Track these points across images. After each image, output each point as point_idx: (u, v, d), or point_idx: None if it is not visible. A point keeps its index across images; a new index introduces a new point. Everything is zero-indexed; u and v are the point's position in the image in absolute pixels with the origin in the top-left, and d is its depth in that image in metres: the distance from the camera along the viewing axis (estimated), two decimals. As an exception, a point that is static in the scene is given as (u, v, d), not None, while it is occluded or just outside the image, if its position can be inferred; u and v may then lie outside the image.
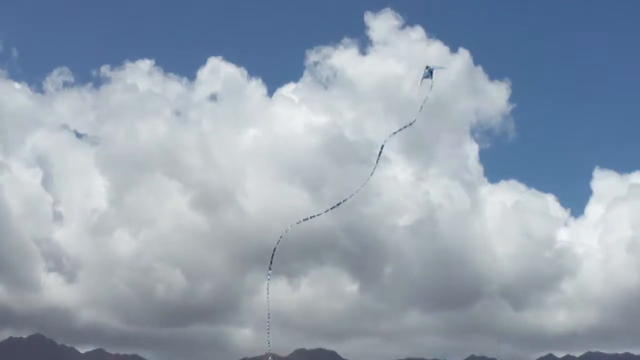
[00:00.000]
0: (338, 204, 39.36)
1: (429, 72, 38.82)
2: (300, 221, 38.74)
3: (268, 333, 37.82)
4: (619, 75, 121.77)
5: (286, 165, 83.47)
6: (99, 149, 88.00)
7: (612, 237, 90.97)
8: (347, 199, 40.31)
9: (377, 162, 39.08)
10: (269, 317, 37.71)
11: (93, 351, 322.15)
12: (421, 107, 37.93)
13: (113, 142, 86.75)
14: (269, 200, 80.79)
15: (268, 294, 37.44)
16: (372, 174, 39.83)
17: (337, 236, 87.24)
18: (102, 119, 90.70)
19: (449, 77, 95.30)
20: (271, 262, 38.88)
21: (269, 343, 36.67)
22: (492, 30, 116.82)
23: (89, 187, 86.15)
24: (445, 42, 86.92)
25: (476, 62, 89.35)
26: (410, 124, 38.86)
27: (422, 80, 39.37)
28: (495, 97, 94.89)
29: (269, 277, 38.58)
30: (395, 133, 39.57)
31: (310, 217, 39.87)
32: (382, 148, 38.81)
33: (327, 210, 39.91)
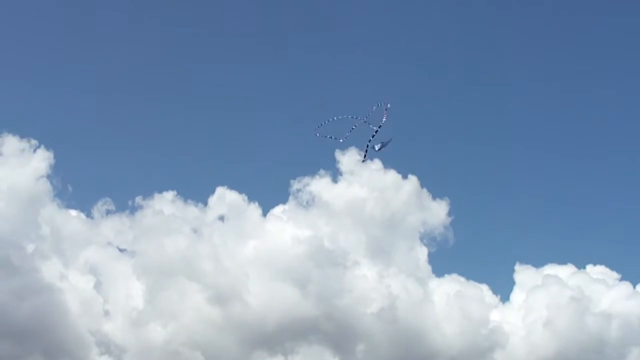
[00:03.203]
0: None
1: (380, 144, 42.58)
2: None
3: None
4: (528, 197, 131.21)
5: (279, 268, 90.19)
6: (135, 261, 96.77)
7: (531, 317, 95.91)
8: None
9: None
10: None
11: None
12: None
13: (146, 255, 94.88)
14: (267, 296, 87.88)
15: None
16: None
17: (320, 322, 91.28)
18: (137, 238, 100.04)
19: (401, 197, 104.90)
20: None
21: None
22: (434, 160, 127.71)
23: (129, 290, 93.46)
24: (398, 170, 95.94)
25: (422, 185, 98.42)
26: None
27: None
28: (438, 212, 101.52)
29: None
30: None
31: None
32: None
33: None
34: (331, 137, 42.90)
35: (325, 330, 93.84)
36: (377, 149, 42.83)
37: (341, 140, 42.53)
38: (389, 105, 43.09)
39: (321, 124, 43.43)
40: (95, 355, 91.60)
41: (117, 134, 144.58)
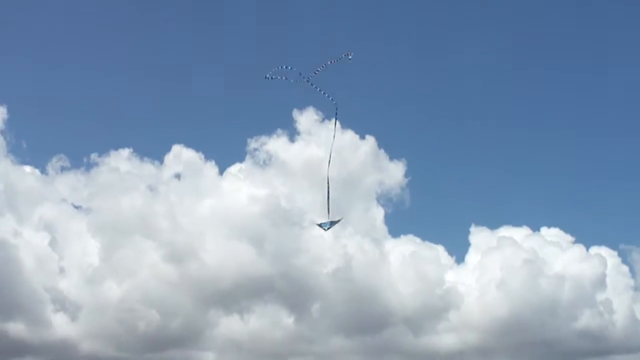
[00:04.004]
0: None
1: (329, 224, 40.22)
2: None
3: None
4: (486, 157, 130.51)
5: (235, 227, 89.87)
6: (90, 218, 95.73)
7: (485, 278, 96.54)
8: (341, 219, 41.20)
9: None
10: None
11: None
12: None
13: (101, 212, 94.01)
14: (223, 254, 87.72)
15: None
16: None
17: (276, 281, 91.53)
18: (92, 195, 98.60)
19: (358, 157, 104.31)
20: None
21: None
22: (391, 121, 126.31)
23: (84, 247, 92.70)
24: (356, 131, 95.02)
25: (379, 145, 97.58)
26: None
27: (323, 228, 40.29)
28: (394, 173, 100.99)
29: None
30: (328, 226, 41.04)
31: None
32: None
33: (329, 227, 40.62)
34: (281, 78, 40.09)
35: (281, 289, 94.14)
36: (326, 228, 40.61)
37: (292, 80, 40.84)
38: (351, 56, 40.38)
39: (274, 70, 40.39)
40: (50, 312, 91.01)
41: (72, 89, 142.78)
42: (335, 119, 41.62)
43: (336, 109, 40.64)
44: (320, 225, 41.12)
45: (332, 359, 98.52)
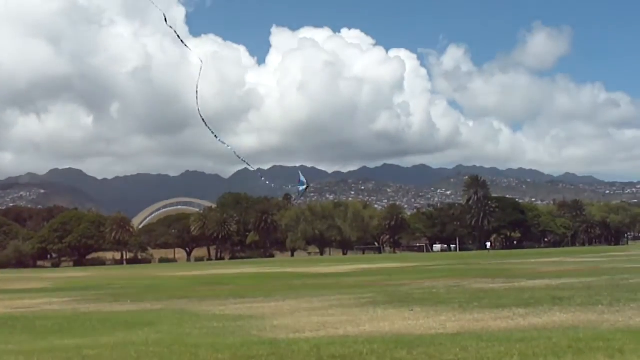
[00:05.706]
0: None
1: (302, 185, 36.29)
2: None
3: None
4: None
5: (30, 24, 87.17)
6: None
7: (286, 80, 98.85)
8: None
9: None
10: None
11: None
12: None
13: None
14: (17, 52, 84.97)
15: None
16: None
17: (74, 81, 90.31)
18: None
19: None
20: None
21: None
22: None
23: None
24: None
25: None
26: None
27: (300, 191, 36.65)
28: None
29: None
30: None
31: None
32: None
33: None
34: None
35: (79, 89, 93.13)
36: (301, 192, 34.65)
37: None
38: None
39: None
40: None
41: None
42: None
43: None
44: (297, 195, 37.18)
45: (133, 159, 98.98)
